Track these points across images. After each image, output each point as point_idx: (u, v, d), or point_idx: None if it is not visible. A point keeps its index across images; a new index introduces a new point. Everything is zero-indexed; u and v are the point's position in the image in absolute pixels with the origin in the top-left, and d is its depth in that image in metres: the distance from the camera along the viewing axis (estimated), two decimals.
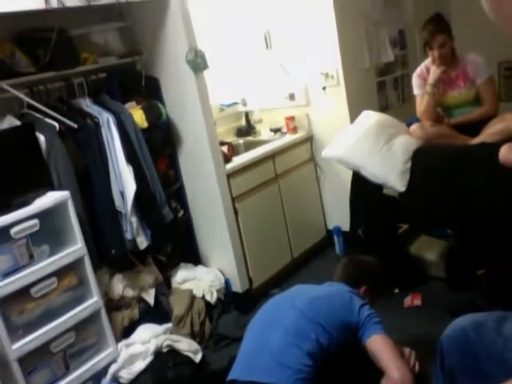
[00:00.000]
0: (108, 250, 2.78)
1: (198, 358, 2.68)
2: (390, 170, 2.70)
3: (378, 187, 2.84)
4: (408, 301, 3.02)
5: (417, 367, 2.04)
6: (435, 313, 2.78)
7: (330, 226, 4.02)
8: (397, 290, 3.12)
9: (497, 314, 1.23)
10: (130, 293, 2.91)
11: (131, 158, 2.80)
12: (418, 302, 3.00)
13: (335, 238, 3.90)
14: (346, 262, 2.32)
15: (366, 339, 1.86)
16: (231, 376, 1.88)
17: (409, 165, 2.72)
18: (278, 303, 2.05)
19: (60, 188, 2.56)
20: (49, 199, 2.43)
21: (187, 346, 2.69)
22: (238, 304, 3.25)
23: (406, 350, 2.06)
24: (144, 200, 2.82)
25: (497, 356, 1.01)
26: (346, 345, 1.87)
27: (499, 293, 2.57)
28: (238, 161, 3.35)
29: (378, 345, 1.84)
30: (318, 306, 1.93)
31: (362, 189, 2.96)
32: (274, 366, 1.77)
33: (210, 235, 3.34)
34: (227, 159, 3.27)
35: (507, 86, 4.32)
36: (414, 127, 2.98)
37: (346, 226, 3.69)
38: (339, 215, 3.88)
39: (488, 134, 2.77)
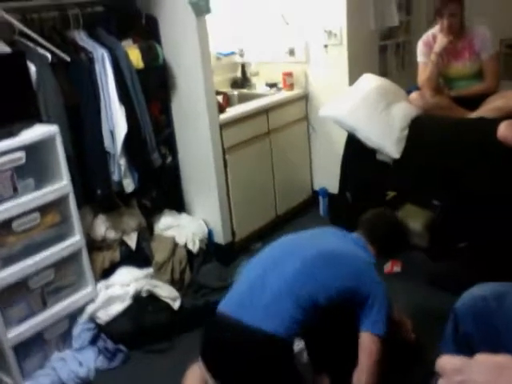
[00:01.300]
0: (93, 190, 2.74)
1: (176, 305, 2.68)
2: (387, 136, 2.68)
3: (372, 152, 2.82)
4: (388, 267, 3.04)
5: (412, 336, 2.20)
6: (414, 280, 2.83)
7: (317, 187, 4.01)
8: None
9: None
10: (112, 235, 2.88)
11: (124, 97, 2.72)
12: (397, 268, 3.03)
13: (320, 198, 3.90)
14: (377, 220, 2.22)
15: (362, 330, 1.85)
16: (221, 308, 1.89)
17: (406, 132, 2.70)
18: (290, 247, 2.00)
19: (48, 122, 2.48)
20: (37, 132, 2.35)
21: (167, 292, 2.69)
22: (219, 255, 3.25)
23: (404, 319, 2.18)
24: (134, 142, 2.76)
25: None
26: (342, 308, 1.85)
27: (481, 266, 2.60)
28: (232, 112, 3.28)
29: (367, 344, 1.83)
30: (329, 264, 1.87)
31: (356, 152, 2.94)
32: (266, 313, 1.77)
33: (197, 184, 3.30)
34: (221, 109, 3.20)
35: (507, 64, 4.28)
36: (414, 95, 2.94)
37: (331, 188, 3.71)
38: (326, 177, 3.88)
39: (487, 110, 2.76)
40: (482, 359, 0.57)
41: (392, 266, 3.05)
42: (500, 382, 0.53)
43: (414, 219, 3.27)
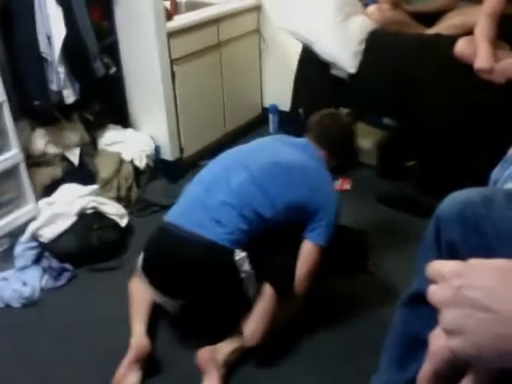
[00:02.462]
0: (30, 101, 2.53)
1: (123, 222, 2.60)
2: (343, 49, 2.58)
3: (327, 66, 2.72)
4: (338, 185, 3.05)
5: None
6: (363, 198, 2.86)
7: (267, 104, 3.90)
8: None
9: (504, 190, 1.15)
10: (52, 150, 2.71)
11: None
12: (347, 186, 3.04)
13: (270, 116, 3.81)
14: (328, 121, 2.12)
15: (306, 238, 1.87)
16: (164, 219, 1.90)
17: (362, 46, 2.60)
18: (237, 159, 1.95)
19: None
20: None
21: (113, 209, 2.59)
22: (167, 172, 3.15)
23: None
24: (74, 49, 2.53)
25: (507, 233, 0.94)
26: (288, 222, 1.85)
27: (428, 184, 2.64)
28: (180, 20, 3.06)
29: (307, 253, 1.86)
30: (278, 178, 1.85)
31: (310, 66, 2.83)
32: (207, 220, 1.77)
33: (143, 97, 3.12)
34: (169, 16, 2.97)
35: None
36: (371, 9, 2.82)
37: (282, 105, 3.61)
38: (277, 94, 3.78)
39: (445, 27, 2.69)
40: (479, 263, 0.51)
41: (342, 184, 3.06)
42: (509, 286, 0.48)
43: (365, 137, 3.27)
